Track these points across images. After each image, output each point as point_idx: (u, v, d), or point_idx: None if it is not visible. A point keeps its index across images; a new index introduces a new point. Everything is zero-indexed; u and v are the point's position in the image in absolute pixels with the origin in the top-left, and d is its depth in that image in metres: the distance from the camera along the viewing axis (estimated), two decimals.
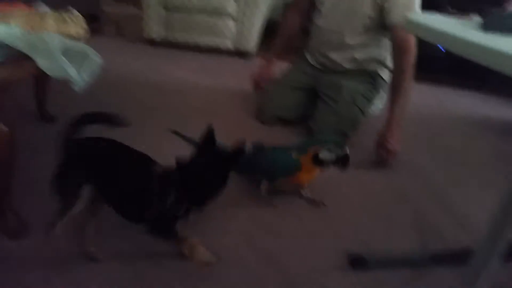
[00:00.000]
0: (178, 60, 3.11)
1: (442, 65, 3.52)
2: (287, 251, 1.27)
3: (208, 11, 3.23)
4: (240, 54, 3.39)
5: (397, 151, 1.81)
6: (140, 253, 1.19)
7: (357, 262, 1.25)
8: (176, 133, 1.81)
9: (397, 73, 1.88)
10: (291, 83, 2.18)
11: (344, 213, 1.50)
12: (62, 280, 1.07)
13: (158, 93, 2.40)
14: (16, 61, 1.29)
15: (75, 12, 1.56)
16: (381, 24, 1.94)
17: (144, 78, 2.61)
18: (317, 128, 2.02)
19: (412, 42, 1.83)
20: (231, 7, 3.20)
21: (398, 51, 1.87)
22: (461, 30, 0.75)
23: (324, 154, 1.41)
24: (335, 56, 2.08)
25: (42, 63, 1.35)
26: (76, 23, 1.54)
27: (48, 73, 1.40)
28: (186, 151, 1.13)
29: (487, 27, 0.82)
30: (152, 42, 3.38)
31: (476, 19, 0.93)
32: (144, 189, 1.05)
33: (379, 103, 2.19)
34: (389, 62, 2.03)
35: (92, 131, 1.07)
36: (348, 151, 1.41)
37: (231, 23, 3.27)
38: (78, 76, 1.44)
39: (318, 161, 1.42)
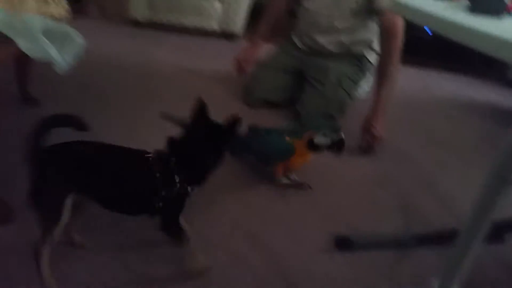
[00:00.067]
0: (163, 41, 3.06)
1: (428, 48, 3.53)
2: (273, 234, 1.28)
3: None
4: (226, 35, 3.34)
5: (382, 136, 1.82)
6: (129, 242, 1.18)
7: (342, 244, 1.26)
8: (165, 117, 1.79)
9: (384, 57, 1.88)
10: (278, 65, 2.17)
11: (330, 196, 1.50)
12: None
13: (142, 76, 2.36)
14: None
15: None
16: (369, 9, 1.92)
17: (128, 60, 2.56)
18: (304, 111, 2.01)
19: (399, 26, 1.82)
20: None
21: (386, 35, 1.86)
22: (448, 12, 0.74)
23: (319, 139, 1.40)
24: (322, 39, 2.06)
25: (23, 44, 1.32)
26: (57, 4, 1.50)
27: (29, 54, 1.36)
28: (173, 132, 1.09)
29: (474, 9, 0.82)
30: (136, 23, 3.31)
31: (464, 1, 0.92)
32: (146, 180, 1.00)
33: (366, 86, 2.19)
34: (376, 45, 2.03)
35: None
36: (343, 136, 1.41)
37: (217, 4, 3.21)
38: (60, 58, 1.41)
39: (313, 146, 1.42)
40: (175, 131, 1.06)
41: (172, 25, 3.28)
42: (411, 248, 1.28)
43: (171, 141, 1.05)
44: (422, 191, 1.62)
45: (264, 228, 1.30)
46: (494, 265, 1.25)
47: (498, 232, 1.24)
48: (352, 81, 2.06)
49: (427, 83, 3.04)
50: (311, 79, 2.07)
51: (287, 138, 1.45)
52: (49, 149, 0.96)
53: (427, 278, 1.01)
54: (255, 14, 3.06)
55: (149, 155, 1.03)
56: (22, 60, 1.70)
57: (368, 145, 1.83)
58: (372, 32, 2.02)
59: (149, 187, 1.00)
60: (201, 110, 1.05)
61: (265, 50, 2.26)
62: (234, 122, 1.04)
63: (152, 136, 1.70)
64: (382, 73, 1.87)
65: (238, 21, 3.28)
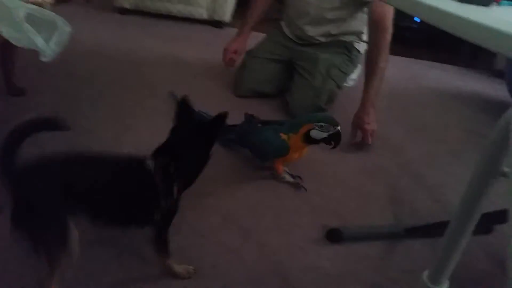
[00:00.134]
0: (150, 29, 3.02)
1: (415, 37, 3.54)
2: (265, 226, 1.28)
3: None
4: (214, 23, 3.31)
5: (375, 130, 1.79)
6: (121, 236, 1.14)
7: (333, 235, 1.26)
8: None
9: (373, 51, 1.84)
10: (267, 55, 2.14)
11: (320, 189, 1.50)
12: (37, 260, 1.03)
13: (129, 64, 2.33)
14: None
15: None
16: (359, 0, 1.91)
17: (115, 48, 2.52)
18: (293, 101, 2.00)
19: (389, 19, 1.80)
20: None
21: (375, 28, 1.83)
22: (436, 0, 0.74)
23: (315, 132, 1.39)
24: (311, 30, 2.04)
25: (6, 31, 1.28)
26: None
27: (13, 42, 1.33)
28: (162, 122, 1.03)
29: None
30: (122, 10, 3.25)
31: None
32: (148, 192, 0.94)
33: (354, 75, 2.19)
34: (366, 35, 2.01)
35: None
36: (339, 129, 1.39)
37: None
38: (46, 46, 1.37)
39: (309, 139, 1.41)
40: (165, 121, 1.03)
41: (159, 12, 3.23)
42: (401, 240, 1.29)
43: (163, 146, 0.98)
44: (412, 183, 1.63)
45: (256, 221, 1.29)
46: (482, 256, 1.26)
47: (486, 224, 1.26)
48: (341, 71, 2.05)
49: (414, 72, 3.05)
50: (300, 68, 2.06)
51: (282, 135, 1.43)
52: (28, 169, 0.84)
53: (417, 270, 1.02)
54: (243, 2, 3.03)
55: (146, 162, 0.94)
56: (6, 49, 1.66)
57: (362, 141, 1.79)
58: (361, 23, 2.01)
59: (151, 198, 0.94)
60: (185, 108, 1.00)
61: (254, 37, 2.24)
62: (221, 117, 0.99)
63: (142, 125, 1.69)
64: (371, 68, 1.83)
65: (227, 9, 3.24)
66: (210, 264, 1.10)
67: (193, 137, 0.99)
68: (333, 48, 2.06)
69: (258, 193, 1.43)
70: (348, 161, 1.71)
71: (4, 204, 1.11)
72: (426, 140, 2.01)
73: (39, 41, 1.34)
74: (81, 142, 1.47)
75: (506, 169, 0.84)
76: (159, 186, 0.93)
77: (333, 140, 1.41)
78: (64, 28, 1.43)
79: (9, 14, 1.27)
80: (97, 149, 1.45)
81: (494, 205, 0.97)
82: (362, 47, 2.09)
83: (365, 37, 2.03)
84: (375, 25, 1.84)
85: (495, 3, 0.79)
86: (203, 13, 3.25)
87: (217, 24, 3.30)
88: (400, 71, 2.92)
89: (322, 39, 2.06)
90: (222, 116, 0.99)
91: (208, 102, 1.94)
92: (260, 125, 1.58)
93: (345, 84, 2.13)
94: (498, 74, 3.04)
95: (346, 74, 2.09)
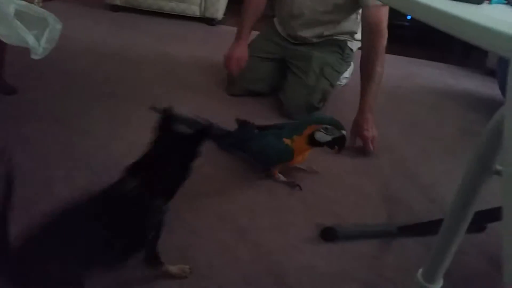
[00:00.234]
0: (141, 26, 3.00)
1: (407, 35, 3.56)
2: (260, 225, 1.27)
3: None
4: (207, 20, 3.29)
5: (375, 136, 1.75)
6: None
7: (328, 234, 1.26)
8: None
9: (369, 57, 1.79)
10: (260, 53, 2.12)
11: (315, 187, 1.50)
12: None
13: (121, 62, 2.31)
14: None
15: None
16: (354, 4, 1.90)
17: (106, 46, 2.50)
18: (286, 100, 2.00)
19: (384, 24, 1.78)
20: None
21: (370, 32, 1.80)
22: None
23: (320, 135, 1.37)
24: (305, 32, 2.04)
25: None
26: None
27: (3, 39, 1.31)
28: (153, 117, 0.99)
29: None
30: (113, 7, 3.22)
31: None
32: (142, 217, 0.92)
33: (346, 73, 2.19)
34: (358, 34, 2.00)
35: None
36: (344, 132, 1.38)
37: None
38: (37, 43, 1.35)
39: (313, 141, 1.39)
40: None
41: (151, 9, 3.21)
42: (396, 238, 1.29)
43: (142, 164, 0.94)
44: (406, 182, 1.63)
45: (251, 220, 1.29)
46: (475, 254, 1.27)
47: (479, 222, 1.26)
48: (334, 70, 2.05)
49: (407, 70, 3.05)
50: (294, 67, 2.05)
51: (285, 140, 1.41)
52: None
53: (411, 268, 1.02)
54: None
55: (127, 184, 0.91)
56: None
57: (364, 148, 1.74)
58: (354, 23, 2.01)
59: (142, 220, 0.92)
60: (166, 122, 0.95)
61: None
62: (203, 132, 0.95)
63: (137, 123, 1.68)
64: (368, 73, 1.79)
65: (219, 6, 3.23)
66: (206, 263, 1.10)
67: (171, 153, 0.94)
68: (326, 47, 2.06)
69: (253, 192, 1.42)
70: (342, 159, 1.70)
71: None
72: (420, 138, 2.01)
73: (29, 39, 1.32)
74: (75, 142, 1.46)
75: (499, 167, 0.84)
76: (146, 205, 0.91)
77: (337, 144, 1.39)
78: (55, 25, 1.41)
79: None
80: (92, 147, 1.46)
81: (487, 203, 0.97)
82: (355, 45, 2.09)
83: (358, 36, 2.03)
84: (370, 30, 1.80)
85: (486, 1, 0.79)
86: (195, 10, 3.23)
87: (209, 21, 3.29)
88: (393, 69, 2.92)
89: (316, 40, 2.05)
90: (204, 130, 0.95)
91: (200, 101, 1.94)
92: (257, 131, 1.55)
93: (338, 82, 2.13)
94: (490, 73, 3.05)
95: (339, 72, 2.09)
